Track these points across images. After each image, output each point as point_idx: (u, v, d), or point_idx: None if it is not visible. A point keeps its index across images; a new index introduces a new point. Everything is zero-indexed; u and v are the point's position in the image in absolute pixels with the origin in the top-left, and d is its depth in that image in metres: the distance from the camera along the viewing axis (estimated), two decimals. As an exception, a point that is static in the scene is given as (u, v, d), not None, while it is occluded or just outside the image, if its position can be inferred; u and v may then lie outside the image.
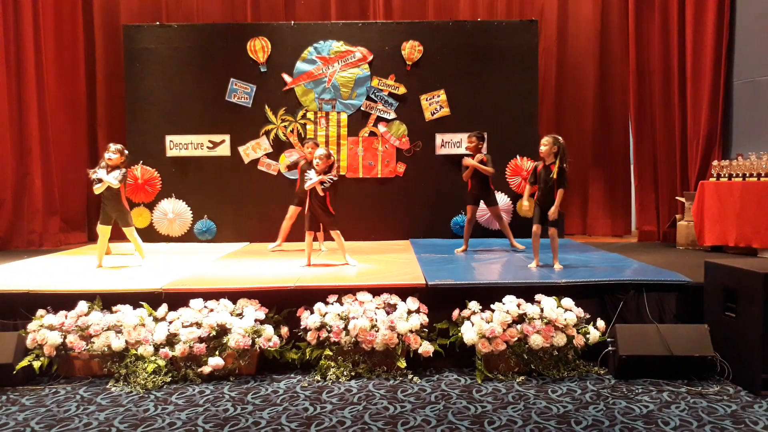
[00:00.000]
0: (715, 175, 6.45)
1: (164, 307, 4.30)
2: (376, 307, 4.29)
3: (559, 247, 5.27)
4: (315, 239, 6.25)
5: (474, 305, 4.29)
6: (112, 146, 5.45)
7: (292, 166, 6.70)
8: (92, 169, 5.44)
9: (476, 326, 4.13)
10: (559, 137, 5.15)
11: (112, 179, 5.33)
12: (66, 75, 7.88)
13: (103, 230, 5.51)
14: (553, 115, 8.44)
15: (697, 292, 4.40)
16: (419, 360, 4.18)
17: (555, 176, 5.04)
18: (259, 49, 7.55)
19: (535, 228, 5.24)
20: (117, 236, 7.91)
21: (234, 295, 4.40)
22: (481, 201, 6.37)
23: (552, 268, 5.12)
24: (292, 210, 6.59)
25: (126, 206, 5.58)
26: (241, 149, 7.62)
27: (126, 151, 5.52)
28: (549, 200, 5.11)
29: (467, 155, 6.46)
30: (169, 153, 7.53)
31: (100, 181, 5.32)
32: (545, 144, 5.12)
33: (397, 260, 5.73)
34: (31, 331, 4.15)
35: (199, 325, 4.15)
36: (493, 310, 4.22)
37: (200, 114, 7.58)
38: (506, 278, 4.78)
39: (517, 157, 7.54)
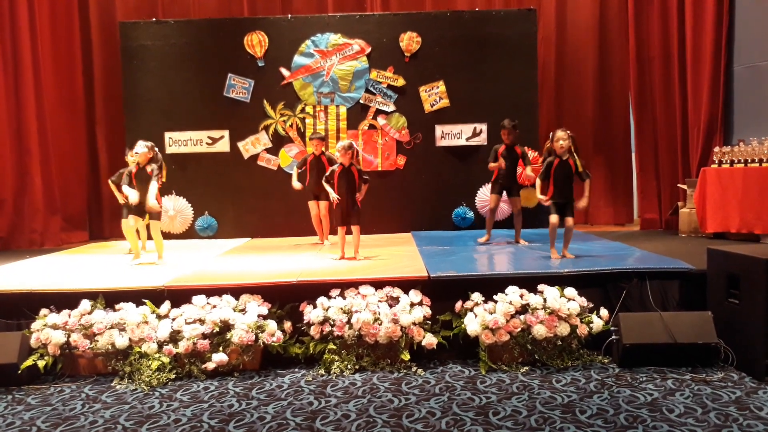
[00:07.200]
0: (716, 162, 6.43)
1: (167, 304, 4.29)
2: (379, 300, 4.29)
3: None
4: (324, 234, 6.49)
5: (477, 296, 4.28)
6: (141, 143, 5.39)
7: (301, 165, 6.60)
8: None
9: (479, 317, 4.13)
10: (567, 131, 5.14)
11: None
12: (63, 73, 7.87)
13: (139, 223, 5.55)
14: (553, 103, 8.42)
15: (700, 279, 4.40)
16: (423, 352, 4.18)
17: (581, 169, 5.07)
18: (256, 43, 7.52)
19: (556, 219, 5.15)
20: (119, 235, 7.98)
21: (236, 291, 4.40)
22: (504, 192, 6.25)
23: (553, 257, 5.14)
24: (313, 206, 6.54)
25: None
26: (240, 145, 7.60)
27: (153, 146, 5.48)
28: (568, 193, 5.10)
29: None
30: (169, 150, 7.51)
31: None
32: (565, 139, 5.06)
33: (399, 253, 5.73)
34: (35, 331, 4.15)
35: (202, 321, 4.15)
36: (496, 301, 4.22)
37: (198, 110, 7.56)
38: (509, 269, 4.78)
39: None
